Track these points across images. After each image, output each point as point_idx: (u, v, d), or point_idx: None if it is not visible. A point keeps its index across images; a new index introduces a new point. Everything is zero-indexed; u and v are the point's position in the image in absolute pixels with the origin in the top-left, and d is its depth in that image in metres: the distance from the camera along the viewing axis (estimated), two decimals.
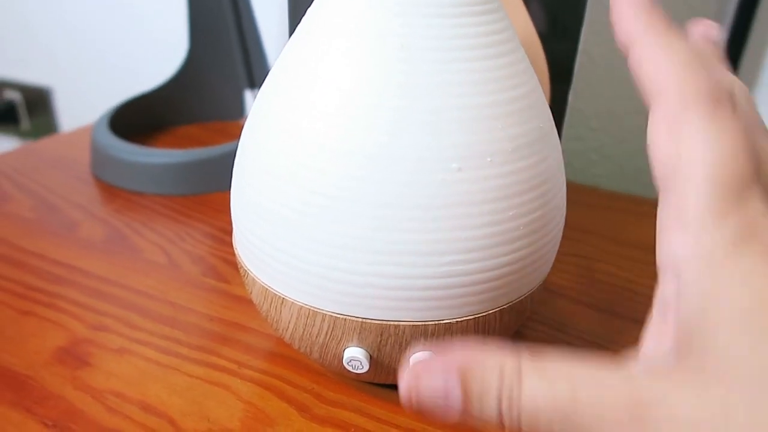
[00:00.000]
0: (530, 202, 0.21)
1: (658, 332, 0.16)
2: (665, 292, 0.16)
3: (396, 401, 0.26)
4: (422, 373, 0.16)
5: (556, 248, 0.24)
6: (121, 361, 0.28)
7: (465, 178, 0.20)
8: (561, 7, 0.34)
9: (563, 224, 0.24)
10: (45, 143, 0.51)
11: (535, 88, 0.22)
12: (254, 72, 0.54)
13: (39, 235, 0.37)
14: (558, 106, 0.36)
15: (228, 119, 0.57)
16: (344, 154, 0.20)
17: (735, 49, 0.45)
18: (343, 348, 0.22)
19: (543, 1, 0.34)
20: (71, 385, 0.26)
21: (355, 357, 0.22)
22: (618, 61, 0.48)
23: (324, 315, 0.22)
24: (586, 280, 0.36)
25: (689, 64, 0.16)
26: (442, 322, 0.21)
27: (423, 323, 0.21)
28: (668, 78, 0.16)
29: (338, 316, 0.21)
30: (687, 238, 0.15)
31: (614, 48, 0.50)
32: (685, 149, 0.15)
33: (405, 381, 0.16)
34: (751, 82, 0.47)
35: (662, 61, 0.16)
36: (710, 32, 0.19)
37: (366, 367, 0.22)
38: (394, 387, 0.27)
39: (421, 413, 0.16)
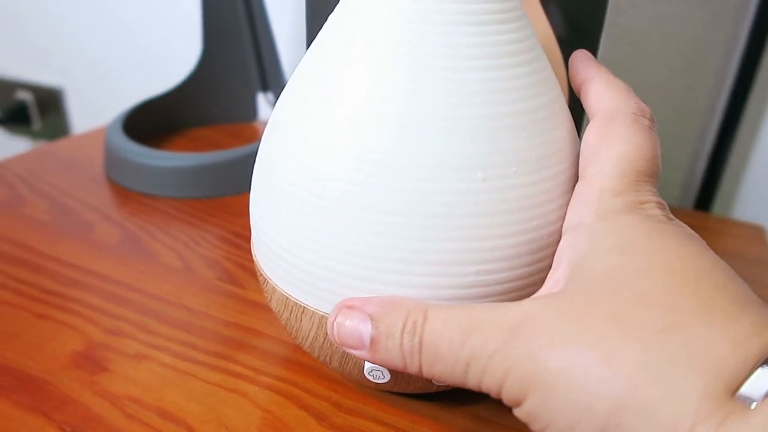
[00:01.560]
0: (553, 212, 0.21)
1: (552, 276, 0.19)
2: (562, 246, 0.19)
3: (416, 411, 0.26)
4: (345, 311, 0.20)
5: None
6: (138, 367, 0.28)
7: (490, 187, 0.20)
8: (580, 12, 0.34)
9: None
10: (59, 145, 0.51)
11: (557, 97, 0.22)
12: (268, 75, 0.54)
13: (54, 238, 0.37)
14: (577, 112, 0.35)
15: (241, 122, 0.57)
16: (364, 161, 0.20)
17: (739, 103, 0.45)
18: (353, 353, 0.22)
19: (562, 6, 0.34)
20: (90, 391, 0.26)
21: (377, 367, 0.22)
22: (636, 67, 0.48)
23: None
24: None
25: (623, 91, 0.21)
26: None
27: None
28: (607, 99, 0.21)
29: None
30: (588, 206, 0.19)
31: (633, 53, 0.49)
32: (604, 145, 0.20)
33: (332, 315, 0.20)
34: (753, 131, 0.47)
35: (604, 88, 0.22)
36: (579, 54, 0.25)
37: (387, 377, 0.22)
38: (413, 396, 0.27)
39: (342, 346, 0.20)
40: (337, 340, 0.20)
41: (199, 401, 0.26)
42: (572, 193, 0.22)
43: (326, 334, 0.22)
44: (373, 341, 0.19)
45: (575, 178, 0.22)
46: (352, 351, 0.20)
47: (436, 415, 0.26)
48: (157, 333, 0.30)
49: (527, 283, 0.21)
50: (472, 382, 0.18)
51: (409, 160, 0.19)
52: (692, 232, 0.18)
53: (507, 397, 0.17)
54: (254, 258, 0.25)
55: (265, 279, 0.24)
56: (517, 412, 0.17)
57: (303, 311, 0.22)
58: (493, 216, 0.20)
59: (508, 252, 0.20)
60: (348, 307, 0.20)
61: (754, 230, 0.45)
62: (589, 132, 0.21)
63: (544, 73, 0.21)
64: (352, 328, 0.19)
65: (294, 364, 0.28)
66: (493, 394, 0.17)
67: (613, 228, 0.18)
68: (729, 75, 0.47)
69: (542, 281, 0.21)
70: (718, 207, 0.51)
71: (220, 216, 0.42)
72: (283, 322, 0.24)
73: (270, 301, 0.25)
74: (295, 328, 0.24)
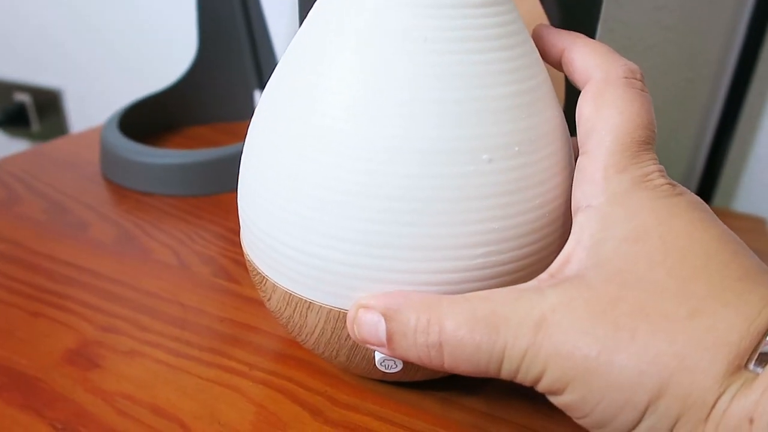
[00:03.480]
0: (553, 189, 0.21)
1: (564, 252, 0.19)
2: (575, 226, 0.20)
3: (412, 404, 0.26)
4: (361, 310, 0.20)
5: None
6: (131, 363, 0.27)
7: (495, 169, 0.20)
8: (576, 3, 0.34)
9: None
10: (55, 144, 0.51)
11: (546, 78, 0.22)
12: (264, 72, 0.53)
13: (50, 237, 0.37)
14: (573, 101, 0.35)
15: (237, 120, 0.57)
16: (370, 149, 0.19)
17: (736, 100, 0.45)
18: (374, 349, 0.22)
19: None
20: (81, 388, 0.26)
21: (389, 357, 0.22)
22: (635, 59, 0.48)
23: None
24: None
25: (609, 55, 0.21)
26: None
27: None
28: (594, 66, 0.21)
29: None
30: (595, 185, 0.19)
31: (632, 46, 0.49)
32: (600, 117, 0.20)
33: (350, 315, 0.20)
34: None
35: (589, 54, 0.21)
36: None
37: (399, 366, 0.22)
38: (409, 390, 0.26)
39: (364, 344, 0.20)
40: (358, 338, 0.20)
41: (193, 397, 0.26)
42: (568, 170, 0.22)
43: (333, 328, 0.22)
44: (389, 340, 0.19)
45: (568, 157, 0.22)
46: (376, 348, 0.20)
47: (431, 409, 0.25)
48: (151, 330, 0.30)
49: (532, 261, 0.21)
50: (505, 376, 0.18)
51: (416, 146, 0.19)
52: (695, 199, 0.19)
53: (543, 390, 0.18)
54: (246, 257, 0.25)
55: (263, 277, 0.23)
56: (554, 401, 0.18)
57: (309, 307, 0.22)
58: (500, 197, 0.20)
59: (513, 231, 0.20)
60: (363, 306, 0.20)
61: (755, 222, 0.45)
62: (584, 102, 0.21)
63: (534, 54, 0.22)
64: (369, 327, 0.20)
65: (289, 359, 0.28)
66: (527, 385, 0.18)
67: (624, 213, 0.19)
68: (728, 67, 0.47)
69: (545, 258, 0.22)
70: (718, 199, 0.50)
71: (215, 213, 0.41)
72: (284, 320, 0.24)
73: (269, 300, 0.24)
74: (298, 325, 0.23)
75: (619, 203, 0.19)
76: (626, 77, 0.20)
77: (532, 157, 0.20)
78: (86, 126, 0.73)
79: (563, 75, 0.34)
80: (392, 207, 0.19)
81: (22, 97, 0.80)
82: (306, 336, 0.23)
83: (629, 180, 0.19)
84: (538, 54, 0.22)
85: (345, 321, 0.21)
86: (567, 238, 0.20)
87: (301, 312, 0.22)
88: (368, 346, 0.20)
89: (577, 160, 0.21)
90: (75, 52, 0.74)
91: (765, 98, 0.47)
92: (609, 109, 0.20)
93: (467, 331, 0.18)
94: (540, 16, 0.34)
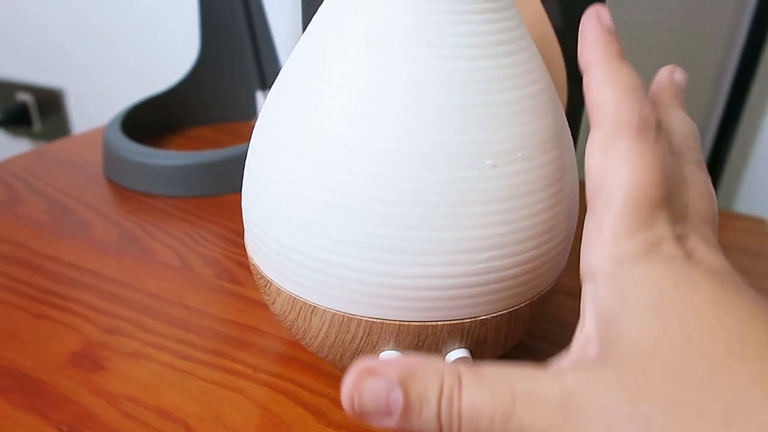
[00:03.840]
0: (555, 195, 0.21)
1: (580, 330, 0.18)
2: (584, 296, 0.18)
3: None
4: (366, 376, 0.17)
5: (572, 239, 0.24)
6: (135, 365, 0.27)
7: (499, 174, 0.20)
8: (577, 4, 0.34)
9: (577, 215, 0.24)
10: (57, 145, 0.51)
11: (549, 82, 0.22)
12: (266, 73, 0.54)
13: (52, 238, 0.37)
14: (576, 104, 0.35)
15: (240, 120, 0.57)
16: (374, 153, 0.19)
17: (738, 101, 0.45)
18: (379, 352, 0.22)
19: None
20: (86, 390, 0.26)
21: None
22: (636, 60, 0.48)
23: (360, 320, 0.21)
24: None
25: (627, 93, 0.19)
26: (478, 318, 0.21)
27: (460, 321, 0.21)
28: (608, 106, 0.19)
29: (375, 320, 0.21)
30: (603, 250, 0.18)
31: (630, 45, 0.49)
32: (609, 171, 0.18)
33: (348, 383, 0.17)
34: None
35: (606, 87, 0.19)
36: (674, 74, 0.23)
37: None
38: None
39: (362, 416, 0.17)
40: (357, 409, 0.17)
41: (197, 399, 0.26)
42: (570, 175, 0.22)
43: (337, 331, 0.22)
44: (406, 409, 0.17)
45: (571, 161, 0.22)
46: (375, 420, 0.17)
47: None
48: (155, 331, 0.30)
49: (535, 266, 0.21)
50: None
51: (420, 151, 0.19)
52: (716, 267, 0.17)
53: None
54: (251, 261, 0.25)
55: (268, 281, 0.23)
56: None
57: (313, 311, 0.22)
58: (503, 202, 0.20)
59: (517, 236, 0.20)
60: (368, 371, 0.17)
61: (756, 223, 0.45)
62: (592, 150, 0.19)
63: (537, 59, 0.22)
64: (376, 396, 0.17)
65: (292, 361, 0.28)
66: None
67: (637, 281, 0.17)
68: (730, 68, 0.47)
69: (548, 263, 0.22)
70: (719, 200, 0.51)
71: (218, 214, 0.41)
72: (288, 323, 0.24)
73: (273, 303, 0.24)
74: (303, 329, 0.23)
75: (630, 271, 0.17)
76: (638, 126, 0.18)
77: (535, 162, 0.21)
78: (88, 126, 0.73)
79: (566, 79, 0.34)
80: (396, 211, 0.20)
81: (24, 97, 0.80)
82: (310, 339, 0.24)
83: (640, 245, 0.17)
84: (541, 59, 0.22)
85: (350, 325, 0.21)
86: (570, 243, 0.20)
87: (305, 316, 0.23)
88: (367, 418, 0.17)
89: (585, 220, 0.19)
90: (77, 52, 0.74)
91: (766, 99, 0.47)
92: (618, 164, 0.18)
93: (480, 405, 0.16)
94: (541, 17, 0.34)
